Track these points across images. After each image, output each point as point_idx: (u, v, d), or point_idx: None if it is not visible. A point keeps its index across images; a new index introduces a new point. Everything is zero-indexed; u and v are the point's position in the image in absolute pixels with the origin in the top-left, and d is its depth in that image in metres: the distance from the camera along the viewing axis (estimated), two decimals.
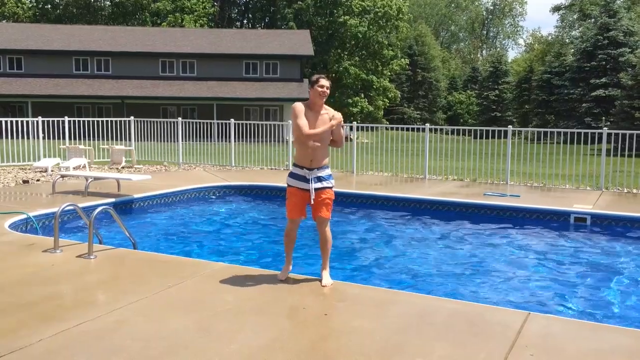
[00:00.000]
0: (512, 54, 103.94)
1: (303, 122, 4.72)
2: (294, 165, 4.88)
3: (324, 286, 4.86)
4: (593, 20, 52.98)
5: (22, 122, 14.72)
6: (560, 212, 9.09)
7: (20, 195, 9.73)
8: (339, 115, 4.85)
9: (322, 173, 4.83)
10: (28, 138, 14.96)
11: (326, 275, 4.96)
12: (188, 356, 3.46)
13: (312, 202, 4.80)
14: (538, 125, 45.10)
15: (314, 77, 4.83)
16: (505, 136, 13.06)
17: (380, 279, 6.24)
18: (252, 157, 15.54)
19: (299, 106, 4.79)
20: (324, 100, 4.82)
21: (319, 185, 4.80)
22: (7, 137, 14.34)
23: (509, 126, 13.43)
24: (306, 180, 4.79)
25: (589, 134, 12.74)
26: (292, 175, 4.87)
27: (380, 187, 11.58)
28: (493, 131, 14.33)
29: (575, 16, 66.03)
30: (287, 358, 3.47)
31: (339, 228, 8.82)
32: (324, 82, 4.79)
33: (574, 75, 42.67)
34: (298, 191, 4.83)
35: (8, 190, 10.39)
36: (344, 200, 10.45)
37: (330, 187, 4.91)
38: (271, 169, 14.87)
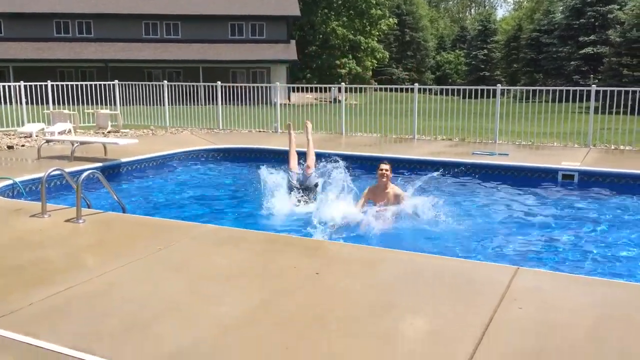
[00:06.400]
0: (501, 12, 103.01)
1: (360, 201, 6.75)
2: None
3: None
4: None
5: (3, 87, 14.38)
6: (548, 170, 9.15)
7: (5, 161, 9.60)
8: (400, 191, 6.63)
9: None
10: (11, 103, 14.63)
11: None
12: (180, 318, 3.48)
13: None
14: (526, 84, 44.98)
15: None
16: (494, 95, 13.01)
17: (370, 238, 6.26)
18: (239, 120, 15.39)
19: (367, 190, 6.76)
20: (387, 180, 6.57)
21: None
22: None
23: (498, 85, 13.36)
24: None
25: (577, 91, 12.71)
26: None
27: (369, 147, 11.53)
28: (482, 90, 14.24)
29: None
30: (278, 318, 3.49)
31: None
32: (383, 166, 6.58)
33: (562, 33, 42.43)
34: None
35: None
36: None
37: None
38: (259, 131, 14.76)
